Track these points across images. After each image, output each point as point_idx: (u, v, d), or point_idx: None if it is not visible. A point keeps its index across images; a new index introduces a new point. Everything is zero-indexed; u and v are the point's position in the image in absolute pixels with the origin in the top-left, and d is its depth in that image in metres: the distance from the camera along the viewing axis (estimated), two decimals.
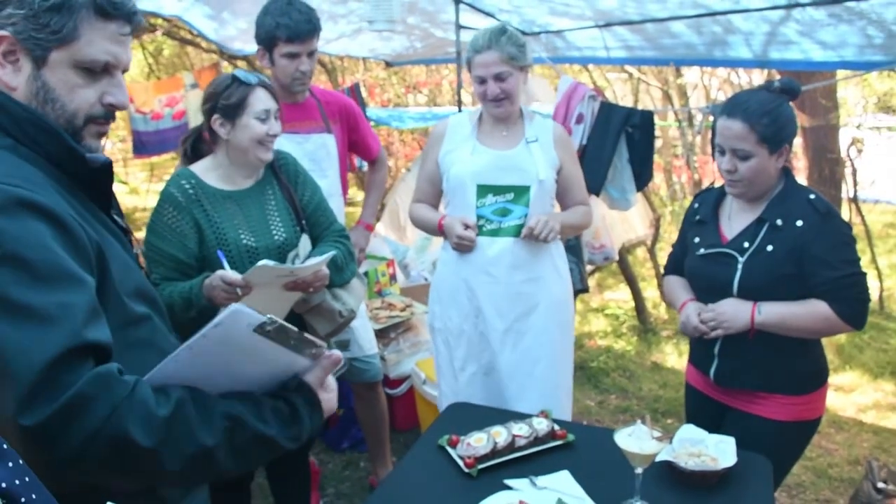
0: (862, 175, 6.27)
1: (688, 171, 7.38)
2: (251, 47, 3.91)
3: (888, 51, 2.96)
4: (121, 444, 0.88)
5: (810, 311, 1.81)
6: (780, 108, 1.80)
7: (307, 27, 2.38)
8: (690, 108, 6.90)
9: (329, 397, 1.12)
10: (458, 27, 3.72)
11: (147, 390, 0.93)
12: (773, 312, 1.83)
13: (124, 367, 0.94)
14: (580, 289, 3.68)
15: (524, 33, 3.79)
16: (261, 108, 1.95)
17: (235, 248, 1.95)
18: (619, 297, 6.06)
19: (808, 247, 1.79)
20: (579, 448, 1.77)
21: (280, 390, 1.06)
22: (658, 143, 6.47)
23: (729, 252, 1.90)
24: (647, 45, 3.76)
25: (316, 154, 2.54)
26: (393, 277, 4.09)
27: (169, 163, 9.34)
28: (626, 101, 7.55)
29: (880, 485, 2.53)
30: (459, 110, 3.81)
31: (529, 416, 1.86)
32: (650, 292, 5.83)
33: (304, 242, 2.07)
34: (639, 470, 1.49)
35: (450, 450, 1.73)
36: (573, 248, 3.62)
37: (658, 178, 7.14)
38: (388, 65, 5.32)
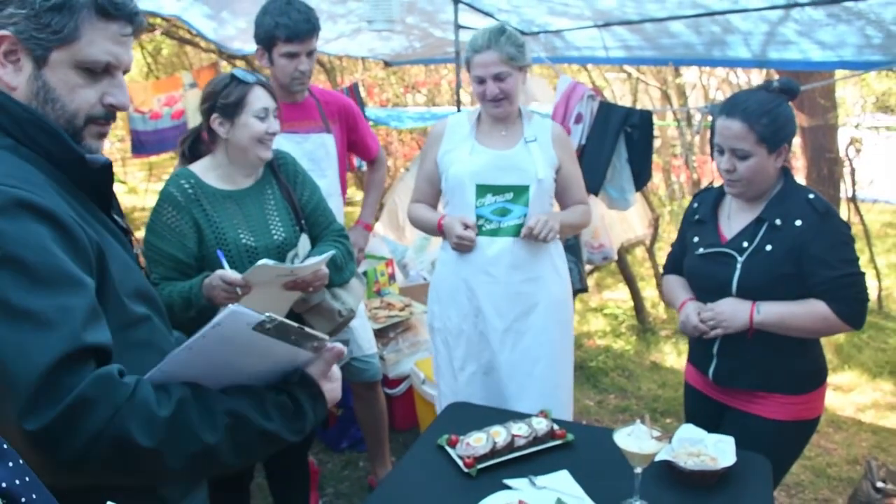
0: (860, 175, 6.29)
1: (687, 170, 7.37)
2: (250, 47, 3.93)
3: (887, 51, 2.96)
4: (123, 445, 0.89)
5: (809, 310, 1.81)
6: (778, 108, 1.81)
7: (306, 27, 2.38)
8: (689, 107, 6.88)
9: (333, 387, 1.13)
10: (457, 27, 3.71)
11: (148, 390, 0.93)
12: (771, 312, 1.83)
13: (125, 368, 0.94)
14: (579, 288, 3.68)
15: (523, 33, 3.80)
16: (259, 107, 1.95)
17: (235, 248, 1.95)
18: (617, 296, 6.06)
19: (807, 246, 1.79)
20: (578, 448, 1.77)
21: (283, 384, 1.06)
22: (657, 143, 6.46)
23: (728, 252, 1.90)
24: (646, 45, 3.76)
25: (315, 154, 2.54)
26: (392, 277, 4.09)
27: (167, 162, 9.33)
28: (625, 101, 7.53)
29: (879, 484, 2.53)
30: (458, 110, 3.80)
31: (529, 415, 1.86)
32: (649, 292, 5.84)
33: (304, 242, 2.07)
34: (638, 469, 1.49)
35: (449, 449, 1.73)
36: (572, 248, 3.61)
37: (657, 178, 7.13)
38: (387, 64, 5.32)
